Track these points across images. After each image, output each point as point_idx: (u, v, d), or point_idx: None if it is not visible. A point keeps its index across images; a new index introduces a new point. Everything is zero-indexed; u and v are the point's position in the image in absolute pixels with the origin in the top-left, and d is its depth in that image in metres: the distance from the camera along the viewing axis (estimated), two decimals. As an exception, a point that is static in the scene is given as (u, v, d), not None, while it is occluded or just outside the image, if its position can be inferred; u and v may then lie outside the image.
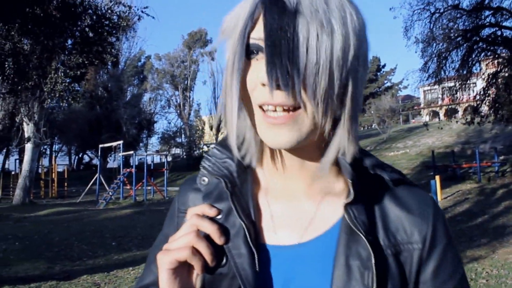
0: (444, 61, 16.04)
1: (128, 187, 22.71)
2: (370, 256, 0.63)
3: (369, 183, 0.69)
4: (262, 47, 0.60)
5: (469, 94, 24.93)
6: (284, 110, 0.60)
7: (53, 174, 26.13)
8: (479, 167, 17.09)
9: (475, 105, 18.08)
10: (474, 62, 16.34)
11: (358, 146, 0.66)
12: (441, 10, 15.17)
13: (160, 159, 45.57)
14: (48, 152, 46.97)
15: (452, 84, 18.02)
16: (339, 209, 0.69)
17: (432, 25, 15.59)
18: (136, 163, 31.97)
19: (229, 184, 0.71)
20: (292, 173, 0.71)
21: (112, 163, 46.14)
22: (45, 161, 38.39)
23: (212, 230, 0.65)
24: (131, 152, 24.83)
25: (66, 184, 27.42)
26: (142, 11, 7.89)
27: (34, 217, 14.23)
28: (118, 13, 7.51)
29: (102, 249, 8.47)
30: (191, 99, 55.10)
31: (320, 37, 0.57)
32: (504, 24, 14.25)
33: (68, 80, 7.19)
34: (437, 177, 12.35)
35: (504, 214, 10.76)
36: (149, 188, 22.46)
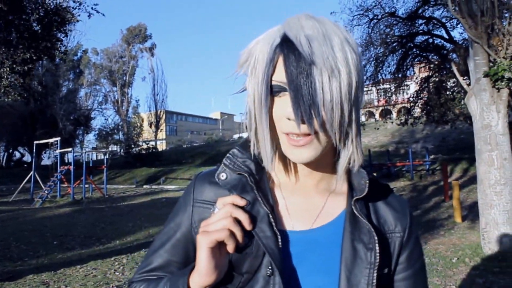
0: (381, 65, 16.78)
1: (66, 185, 21.92)
2: (371, 240, 0.80)
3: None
4: (284, 87, 0.75)
5: (403, 97, 26.17)
6: (304, 135, 0.75)
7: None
8: (412, 166, 18.06)
9: (409, 107, 19.08)
10: (408, 67, 17.24)
11: (363, 157, 0.84)
12: (379, 17, 15.87)
13: (97, 156, 44.24)
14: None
15: (387, 86, 18.91)
16: (341, 204, 0.87)
17: (370, 30, 16.26)
18: (71, 161, 30.89)
19: (252, 179, 0.84)
20: (302, 175, 0.87)
21: (46, 160, 44.22)
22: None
23: (244, 218, 0.75)
24: (69, 149, 23.95)
25: (-4, 182, 26.11)
26: (92, 8, 7.82)
27: (-37, 218, 13.43)
28: (67, 8, 7.36)
29: (44, 249, 8.14)
30: (129, 95, 53.95)
31: (331, 80, 0.72)
32: (435, 32, 15.14)
33: (14, 76, 6.94)
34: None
35: (434, 209, 11.52)
36: (87, 186, 21.79)
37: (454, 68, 6.66)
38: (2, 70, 6.85)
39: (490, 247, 5.99)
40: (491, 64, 5.51)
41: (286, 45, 0.73)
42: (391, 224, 0.87)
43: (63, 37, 7.89)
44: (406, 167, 18.99)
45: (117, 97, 52.82)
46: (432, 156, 21.30)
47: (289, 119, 0.74)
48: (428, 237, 7.78)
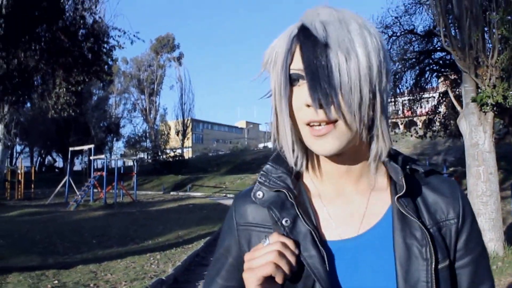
0: (399, 80, 17.36)
1: (98, 189, 23.17)
2: (424, 236, 0.76)
3: (408, 176, 0.83)
4: (302, 75, 0.73)
5: (425, 108, 26.50)
6: (326, 123, 0.72)
7: (20, 175, 26.04)
8: (429, 178, 18.44)
9: (427, 120, 19.60)
10: (427, 82, 17.83)
11: (391, 145, 0.80)
12: (398, 34, 16.51)
13: (124, 163, 45.54)
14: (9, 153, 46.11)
15: (410, 97, 19.46)
16: (385, 201, 0.83)
17: (389, 46, 16.90)
18: (100, 167, 32.23)
19: (291, 195, 0.82)
20: (339, 176, 0.83)
21: (77, 166, 45.94)
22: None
23: (292, 261, 0.74)
24: (102, 156, 25.26)
25: (33, 186, 27.42)
26: (134, 35, 8.97)
27: (7, 218, 14.44)
28: (113, 37, 8.55)
29: (85, 246, 9.03)
30: (157, 103, 54.81)
31: (348, 61, 0.70)
32: (451, 49, 15.67)
33: (69, 95, 8.12)
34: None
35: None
36: (117, 191, 22.94)
37: (450, 93, 7.43)
38: (60, 90, 8.03)
39: (479, 251, 6.66)
40: (479, 91, 6.31)
41: (303, 33, 0.74)
42: (443, 212, 0.82)
43: (110, 61, 9.07)
44: (424, 179, 19.35)
45: (145, 105, 53.78)
46: (451, 169, 21.71)
47: (308, 105, 0.73)
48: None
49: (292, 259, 0.74)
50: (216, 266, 0.91)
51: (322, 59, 0.71)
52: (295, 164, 0.83)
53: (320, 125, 0.73)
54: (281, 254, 0.72)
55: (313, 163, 0.85)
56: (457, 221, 0.81)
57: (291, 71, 0.75)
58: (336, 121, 0.72)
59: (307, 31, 0.73)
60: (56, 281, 5.78)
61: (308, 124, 0.75)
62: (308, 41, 0.72)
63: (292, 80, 0.75)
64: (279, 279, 0.72)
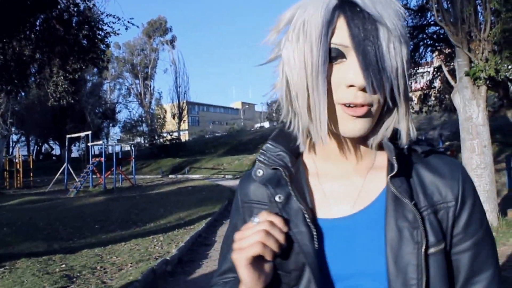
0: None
1: (97, 175, 23.29)
2: (416, 218, 0.73)
3: (405, 156, 0.80)
4: (342, 52, 0.70)
5: (420, 83, 26.53)
6: (362, 106, 0.70)
7: (18, 164, 26.13)
8: (424, 152, 18.61)
9: (422, 95, 19.69)
10: (421, 57, 17.84)
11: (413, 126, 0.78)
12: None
13: (121, 148, 45.60)
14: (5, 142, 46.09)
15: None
16: (382, 180, 0.80)
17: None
18: (97, 153, 32.30)
19: (286, 173, 0.82)
20: (342, 156, 0.82)
21: (75, 153, 46.00)
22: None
23: (280, 239, 0.74)
24: (100, 142, 25.33)
25: (31, 174, 27.56)
26: (128, 21, 8.99)
27: (8, 206, 14.52)
28: (108, 23, 8.55)
29: (88, 231, 9.12)
30: (152, 87, 54.53)
31: (396, 44, 0.68)
32: (444, 24, 15.63)
33: (67, 83, 8.21)
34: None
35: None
36: (116, 176, 23.05)
37: (444, 68, 7.52)
38: (57, 78, 8.10)
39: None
40: (472, 65, 6.40)
41: (348, 6, 0.69)
42: (440, 194, 0.78)
43: (105, 47, 9.11)
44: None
45: (140, 90, 53.50)
46: (447, 143, 21.86)
47: (351, 86, 0.70)
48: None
49: (280, 237, 0.74)
50: (226, 243, 0.94)
51: (372, 38, 0.67)
52: (305, 144, 0.82)
53: (356, 105, 0.70)
54: (268, 233, 0.73)
55: (315, 143, 0.83)
56: (455, 204, 0.77)
57: (332, 45, 0.70)
58: (369, 104, 0.71)
59: (353, 5, 0.68)
60: (63, 265, 5.92)
61: (343, 104, 0.72)
62: (357, 16, 0.67)
63: (330, 56, 0.71)
64: (268, 257, 0.73)
